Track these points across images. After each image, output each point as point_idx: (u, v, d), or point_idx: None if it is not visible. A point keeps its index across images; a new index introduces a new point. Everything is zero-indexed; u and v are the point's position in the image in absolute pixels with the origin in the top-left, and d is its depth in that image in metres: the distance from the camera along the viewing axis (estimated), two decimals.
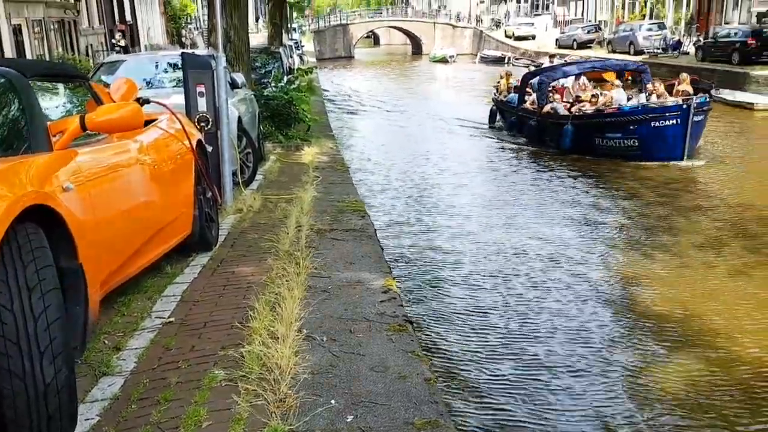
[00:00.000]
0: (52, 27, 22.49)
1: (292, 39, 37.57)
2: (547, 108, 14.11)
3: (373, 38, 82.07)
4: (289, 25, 42.84)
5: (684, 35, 32.35)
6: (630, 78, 17.69)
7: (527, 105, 15.26)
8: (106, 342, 3.60)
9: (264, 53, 18.27)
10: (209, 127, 6.47)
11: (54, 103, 3.94)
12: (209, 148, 5.80)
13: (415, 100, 25.31)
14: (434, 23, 59.85)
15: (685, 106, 11.61)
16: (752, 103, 18.66)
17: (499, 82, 18.01)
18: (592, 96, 13.89)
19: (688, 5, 34.91)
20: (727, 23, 29.34)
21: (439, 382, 4.05)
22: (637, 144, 12.11)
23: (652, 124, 11.80)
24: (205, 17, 24.87)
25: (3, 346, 2.29)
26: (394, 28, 65.83)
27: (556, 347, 5.29)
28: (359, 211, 6.92)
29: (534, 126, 14.49)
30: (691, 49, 28.29)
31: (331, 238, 5.79)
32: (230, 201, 6.74)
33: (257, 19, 53.78)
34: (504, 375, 4.88)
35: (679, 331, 5.55)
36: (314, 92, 21.86)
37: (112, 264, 3.47)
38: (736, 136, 15.23)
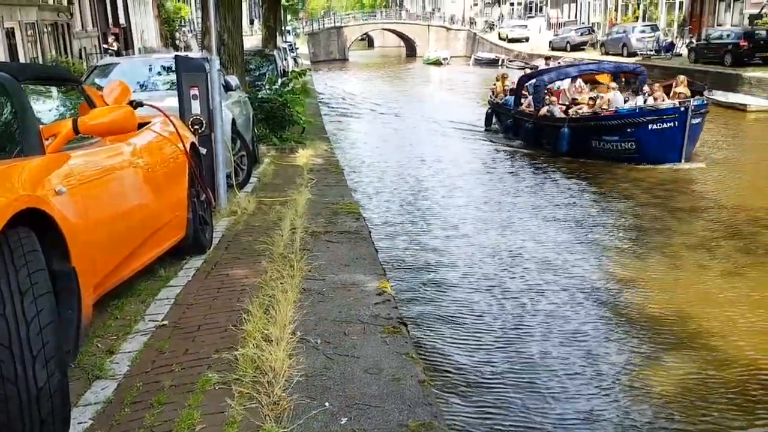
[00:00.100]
0: (45, 30, 22.43)
1: (286, 41, 37.55)
2: (543, 110, 14.08)
3: (368, 41, 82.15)
4: (283, 28, 42.80)
5: (677, 37, 32.49)
6: (624, 80, 17.66)
7: (523, 107, 15.23)
8: (100, 345, 3.59)
9: (258, 56, 18.24)
10: (203, 129, 6.46)
11: (47, 106, 3.93)
12: (203, 151, 5.79)
13: (410, 103, 25.34)
14: (428, 26, 59.94)
15: (682, 109, 11.58)
16: (745, 105, 18.77)
17: (495, 85, 17.95)
18: (590, 99, 13.85)
19: (680, 7, 35.08)
20: (719, 25, 29.50)
21: (433, 384, 4.05)
22: (634, 147, 12.08)
23: (650, 126, 11.77)
24: (199, 20, 24.88)
25: None
26: (389, 30, 65.90)
27: (550, 349, 5.30)
28: (354, 214, 6.92)
29: (530, 128, 14.46)
30: (684, 51, 28.42)
31: (325, 240, 5.79)
32: (224, 203, 6.73)
33: (251, 22, 53.74)
34: (498, 377, 4.89)
35: (675, 332, 5.57)
36: (309, 95, 21.86)
37: (105, 267, 3.46)
38: (729, 138, 15.29)
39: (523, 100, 15.40)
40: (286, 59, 25.53)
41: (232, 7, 10.84)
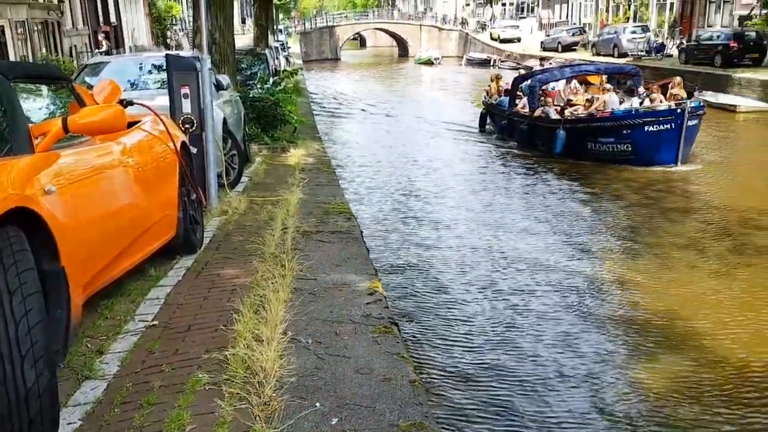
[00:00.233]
0: (35, 28, 22.28)
1: (278, 41, 37.47)
2: (538, 112, 14.01)
3: (360, 40, 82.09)
4: (275, 27, 42.72)
5: (667, 38, 32.66)
6: (617, 81, 17.64)
7: (518, 108, 15.13)
8: (89, 345, 3.57)
9: (250, 55, 18.20)
10: (194, 128, 6.43)
11: (36, 105, 3.90)
12: (194, 150, 5.77)
13: (402, 103, 25.34)
14: (420, 25, 59.96)
15: (679, 111, 11.51)
16: (735, 105, 18.88)
17: (489, 86, 17.85)
18: (587, 100, 13.77)
19: (671, 8, 35.26)
20: (709, 26, 29.66)
21: (423, 384, 4.05)
22: (630, 149, 12.00)
23: (646, 128, 11.69)
24: (191, 19, 24.79)
25: None
26: (381, 30, 65.88)
27: (541, 350, 5.31)
28: (345, 213, 6.91)
29: (525, 130, 14.38)
30: (675, 52, 28.56)
31: (317, 240, 5.78)
32: (215, 203, 6.71)
33: (243, 21, 53.60)
34: (488, 377, 4.89)
35: (666, 333, 5.58)
36: (300, 94, 21.82)
37: (95, 267, 3.44)
38: (720, 139, 15.35)
39: (517, 101, 15.31)
40: (277, 58, 25.48)
41: (223, 5, 10.81)
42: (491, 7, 60.53)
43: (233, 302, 4.07)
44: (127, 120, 3.71)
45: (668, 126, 11.53)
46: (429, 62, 47.54)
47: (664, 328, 5.67)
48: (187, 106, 6.44)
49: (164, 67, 6.80)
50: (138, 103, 4.76)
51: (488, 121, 17.21)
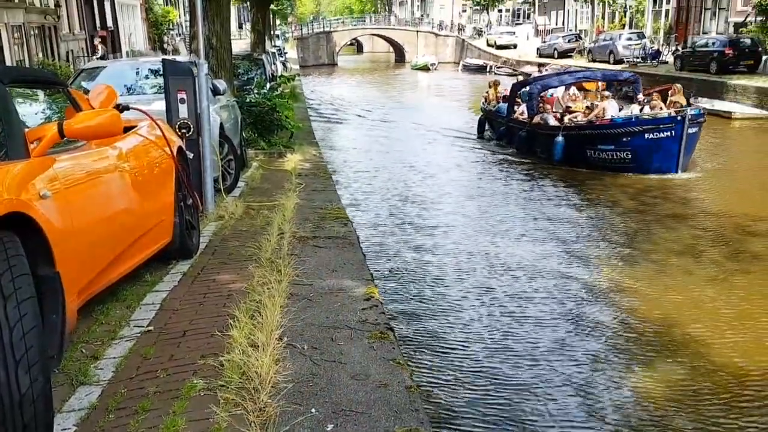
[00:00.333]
0: (32, 32, 22.25)
1: (275, 46, 37.54)
2: (537, 119, 13.92)
3: (357, 46, 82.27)
4: (272, 32, 42.81)
5: (663, 45, 32.83)
6: (615, 87, 17.58)
7: (517, 115, 15.03)
8: (84, 351, 3.56)
9: (247, 60, 18.22)
10: (190, 133, 6.44)
11: (32, 109, 3.90)
12: (190, 155, 5.77)
13: (399, 108, 25.37)
14: (417, 31, 60.13)
15: (679, 118, 11.38)
16: (730, 112, 18.96)
17: (487, 92, 17.76)
18: (586, 107, 13.66)
19: (666, 15, 35.45)
20: (705, 33, 29.83)
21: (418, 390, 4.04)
22: (630, 156, 11.89)
23: (646, 136, 11.58)
24: (188, 24, 24.84)
25: None
26: (378, 36, 66.04)
27: (538, 357, 5.29)
28: (342, 219, 6.91)
29: (524, 137, 14.27)
30: (670, 59, 28.71)
31: (313, 245, 5.77)
32: (211, 208, 6.70)
33: (240, 26, 53.67)
34: (485, 385, 4.88)
35: (664, 340, 5.57)
36: (297, 99, 21.84)
37: (90, 272, 3.43)
38: (716, 145, 15.36)
39: (516, 108, 15.23)
40: (274, 64, 25.50)
41: (220, 10, 10.83)
42: (488, 13, 60.76)
43: (229, 308, 4.06)
44: (123, 125, 3.71)
45: (668, 134, 11.42)
46: (425, 68, 47.69)
47: (662, 335, 5.66)
48: (183, 111, 6.44)
49: (161, 72, 6.81)
50: (134, 108, 4.76)
51: (486, 127, 17.13)
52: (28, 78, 4.02)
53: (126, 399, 3.04)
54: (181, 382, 3.18)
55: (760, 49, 23.63)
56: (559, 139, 12.73)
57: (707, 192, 11.11)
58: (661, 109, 12.65)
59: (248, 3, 31.75)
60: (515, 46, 46.44)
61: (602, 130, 12.33)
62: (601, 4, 41.59)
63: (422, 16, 68.82)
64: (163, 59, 7.24)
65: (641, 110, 12.84)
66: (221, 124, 7.70)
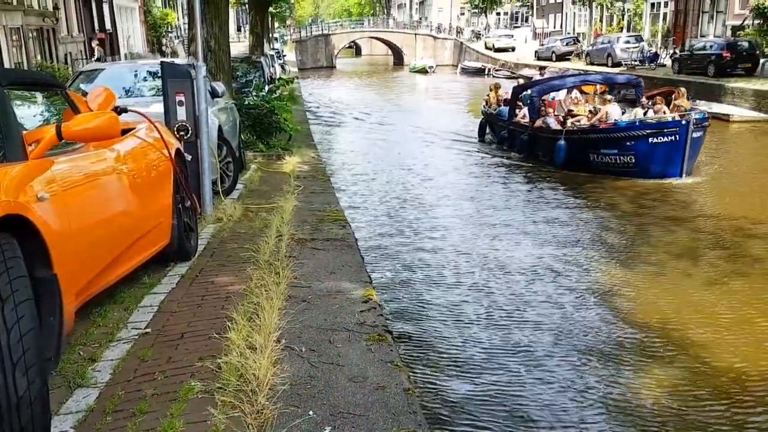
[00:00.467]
0: (30, 35, 22.25)
1: (273, 48, 37.56)
2: (538, 122, 13.82)
3: (355, 49, 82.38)
4: (270, 35, 42.82)
5: (661, 48, 32.91)
6: (615, 91, 17.41)
7: (518, 118, 14.91)
8: (82, 353, 3.55)
9: (245, 62, 18.23)
10: (188, 135, 6.44)
11: (30, 111, 3.90)
12: (188, 157, 5.77)
13: (398, 111, 25.38)
14: (415, 34, 60.22)
15: (683, 122, 11.25)
16: (728, 115, 18.99)
17: (488, 95, 17.63)
18: (590, 111, 13.55)
19: (664, 18, 35.54)
20: (702, 36, 29.92)
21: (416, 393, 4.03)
22: (633, 161, 11.73)
23: (650, 140, 11.44)
24: (186, 26, 24.82)
25: None
26: (376, 38, 66.13)
27: (537, 360, 5.29)
28: (340, 221, 6.91)
29: (526, 140, 14.16)
30: (668, 62, 28.77)
31: (311, 247, 5.77)
32: (210, 210, 6.70)
33: (239, 29, 53.72)
34: (483, 388, 4.88)
35: (663, 342, 5.56)
36: (296, 102, 21.85)
37: (88, 274, 3.43)
38: (715, 149, 15.32)
39: (518, 111, 15.11)
40: (273, 66, 25.51)
41: (219, 13, 10.83)
42: (486, 16, 60.86)
43: (227, 310, 4.05)
44: (122, 127, 3.71)
45: (673, 138, 11.29)
46: (423, 71, 47.78)
47: (660, 338, 5.65)
48: (182, 113, 6.44)
49: (159, 75, 6.81)
50: (132, 111, 4.76)
51: (487, 130, 17.00)
52: (26, 80, 4.02)
53: (123, 401, 3.04)
54: (179, 385, 3.17)
55: (757, 52, 23.69)
56: (562, 142, 12.59)
57: (708, 195, 11.04)
58: (664, 113, 12.52)
59: (247, 6, 31.80)
60: (513, 49, 46.53)
61: (605, 134, 12.17)
62: (599, 7, 41.69)
63: (420, 19, 68.92)
64: (161, 62, 7.25)
65: (645, 114, 12.70)
66: (219, 126, 7.70)
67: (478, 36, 55.69)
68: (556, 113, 14.23)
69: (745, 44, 23.94)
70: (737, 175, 13.05)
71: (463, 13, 67.13)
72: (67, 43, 26.17)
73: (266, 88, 15.52)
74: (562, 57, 37.39)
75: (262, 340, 3.52)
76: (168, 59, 9.79)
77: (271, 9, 34.60)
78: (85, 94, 5.47)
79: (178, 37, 40.93)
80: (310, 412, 2.98)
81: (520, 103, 15.29)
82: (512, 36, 49.88)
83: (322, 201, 8.06)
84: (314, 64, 57.34)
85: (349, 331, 3.93)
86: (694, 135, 11.31)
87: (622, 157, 11.92)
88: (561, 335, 5.73)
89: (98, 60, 22.25)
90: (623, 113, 13.28)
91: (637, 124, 11.99)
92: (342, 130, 20.75)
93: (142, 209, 4.24)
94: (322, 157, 12.79)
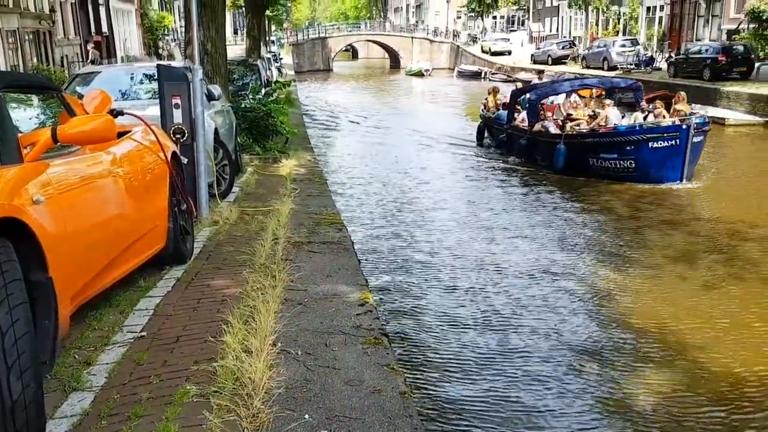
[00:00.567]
0: (26, 38, 22.23)
1: (270, 51, 37.60)
2: (537, 126, 13.74)
3: (352, 52, 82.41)
4: (267, 38, 42.86)
5: (656, 51, 33.02)
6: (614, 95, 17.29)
7: (517, 122, 14.82)
8: (77, 357, 3.54)
9: (242, 65, 18.27)
10: (185, 138, 6.43)
11: (26, 114, 3.89)
12: (184, 160, 5.77)
13: (395, 115, 25.40)
14: (412, 38, 60.33)
15: (684, 127, 11.17)
16: (723, 119, 19.04)
17: (486, 99, 17.51)
18: (589, 115, 13.49)
19: (660, 22, 35.65)
20: (698, 40, 30.01)
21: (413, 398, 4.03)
22: (633, 165, 11.64)
23: (650, 144, 11.34)
24: (183, 29, 24.79)
25: None
26: (373, 42, 66.23)
27: (533, 364, 5.28)
28: (337, 224, 6.91)
29: (524, 144, 14.09)
30: (664, 65, 28.86)
31: (308, 250, 5.77)
32: (206, 213, 6.69)
33: (235, 32, 53.75)
34: (480, 392, 4.88)
35: (661, 347, 5.56)
36: (292, 105, 21.85)
37: (83, 277, 3.42)
38: (711, 152, 15.30)
39: (516, 115, 15.02)
40: (270, 69, 25.55)
41: (215, 16, 10.84)
42: (482, 20, 60.98)
43: (223, 313, 4.05)
44: (118, 130, 3.71)
45: (673, 142, 11.21)
46: (420, 74, 47.87)
47: (658, 342, 5.65)
48: (178, 116, 6.43)
49: (155, 77, 6.80)
50: (128, 113, 4.76)
51: (486, 134, 16.93)
52: (22, 83, 4.02)
53: (119, 405, 3.03)
54: (174, 388, 3.16)
55: (752, 56, 23.78)
56: (561, 147, 12.52)
57: (705, 199, 11.02)
58: (664, 117, 12.46)
59: (244, 9, 31.81)
60: (510, 53, 46.62)
61: (605, 139, 12.09)
62: (595, 11, 41.81)
63: (417, 22, 69.03)
64: (158, 64, 7.24)
65: (645, 118, 12.66)
66: (216, 129, 7.69)
67: (474, 39, 55.78)
68: (554, 117, 14.15)
69: (741, 48, 24.03)
70: (733, 178, 13.06)
71: (459, 17, 67.28)
72: (64, 45, 26.15)
73: (263, 91, 15.55)
74: (558, 60, 37.48)
75: (258, 344, 3.51)
76: (164, 62, 9.77)
77: (267, 12, 34.62)
78: (81, 96, 5.46)
79: (175, 40, 40.93)
80: (306, 416, 2.98)
81: (519, 107, 15.21)
82: (508, 39, 49.97)
83: (319, 204, 8.06)
84: (311, 67, 57.37)
85: (346, 335, 3.92)
86: (695, 139, 11.24)
87: (621, 162, 11.85)
88: (557, 339, 5.72)
89: (92, 63, 22.17)
90: (622, 117, 13.22)
91: (638, 128, 11.92)
92: (339, 133, 20.75)
93: (137, 212, 4.23)
94: (318, 160, 12.78)
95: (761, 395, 4.79)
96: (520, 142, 14.38)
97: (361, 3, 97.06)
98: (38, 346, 2.63)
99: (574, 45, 39.89)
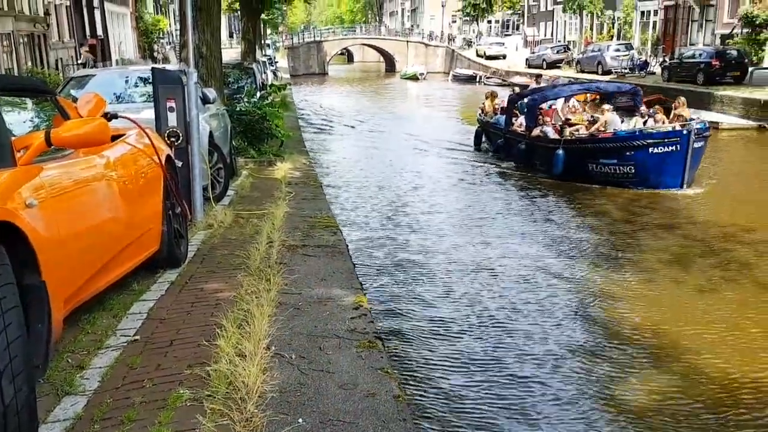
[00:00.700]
0: (21, 41, 22.17)
1: (265, 55, 37.59)
2: (536, 131, 13.65)
3: (347, 55, 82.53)
4: (262, 41, 42.85)
5: (650, 56, 33.17)
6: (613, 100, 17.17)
7: (515, 127, 14.72)
8: (70, 360, 3.53)
9: (237, 69, 18.22)
10: (179, 142, 6.43)
11: (19, 117, 3.88)
12: (179, 163, 5.76)
13: (390, 119, 25.39)
14: (407, 41, 60.45)
15: (684, 132, 11.06)
16: (717, 123, 19.10)
17: (483, 103, 17.41)
18: (588, 121, 13.43)
19: (654, 27, 35.83)
20: (692, 45, 30.18)
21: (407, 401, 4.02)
22: (633, 171, 11.54)
23: (650, 150, 11.22)
24: (178, 32, 24.80)
25: None
26: (368, 45, 66.29)
27: (526, 369, 5.27)
28: (331, 227, 6.91)
29: (523, 149, 13.99)
30: (657, 70, 29.00)
31: (302, 254, 5.76)
32: (200, 216, 6.68)
33: (231, 35, 53.70)
34: (474, 396, 4.87)
35: (656, 350, 5.56)
36: (288, 108, 21.83)
37: (76, 281, 3.41)
38: (707, 156, 15.29)
39: (514, 120, 14.92)
40: (265, 73, 25.54)
41: (210, 19, 10.83)
42: (477, 24, 61.14)
43: (217, 317, 4.04)
44: (112, 133, 3.70)
45: (674, 148, 11.12)
46: (414, 77, 47.98)
47: (653, 346, 5.65)
48: (172, 119, 6.43)
49: (150, 81, 6.80)
50: (123, 117, 4.75)
51: (484, 139, 16.83)
52: (15, 86, 4.01)
53: (112, 409, 3.02)
54: (168, 392, 3.15)
55: (746, 60, 23.91)
56: (560, 152, 12.41)
57: (702, 203, 11.01)
58: (664, 122, 12.39)
59: (239, 12, 31.81)
60: (504, 57, 46.77)
61: (605, 144, 11.97)
62: (589, 15, 41.98)
63: (413, 26, 69.22)
64: (152, 68, 7.24)
65: (644, 123, 12.58)
66: (211, 132, 7.69)
67: (469, 44, 55.93)
68: (553, 122, 14.06)
69: (734, 53, 24.17)
70: (728, 182, 13.08)
71: (454, 21, 67.42)
72: (58, 48, 26.09)
73: (258, 94, 15.52)
74: (553, 65, 37.62)
75: (252, 348, 3.50)
76: (159, 65, 9.76)
77: (263, 16, 34.63)
78: (75, 100, 5.45)
79: (170, 44, 40.90)
80: (300, 420, 2.97)
81: (517, 112, 15.10)
82: (503, 44, 50.13)
83: (314, 207, 8.05)
84: (306, 70, 57.39)
85: (340, 338, 3.92)
86: (696, 145, 11.14)
87: (621, 167, 11.74)
88: (552, 343, 5.72)
89: (84, 66, 22.02)
90: (621, 122, 13.17)
91: (638, 133, 11.81)
92: (334, 137, 20.75)
93: (131, 216, 4.23)
94: (313, 164, 12.78)
95: (756, 400, 4.79)
96: (518, 146, 14.28)
97: (357, 7, 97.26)
98: (31, 350, 2.62)
99: (569, 49, 40.04)
